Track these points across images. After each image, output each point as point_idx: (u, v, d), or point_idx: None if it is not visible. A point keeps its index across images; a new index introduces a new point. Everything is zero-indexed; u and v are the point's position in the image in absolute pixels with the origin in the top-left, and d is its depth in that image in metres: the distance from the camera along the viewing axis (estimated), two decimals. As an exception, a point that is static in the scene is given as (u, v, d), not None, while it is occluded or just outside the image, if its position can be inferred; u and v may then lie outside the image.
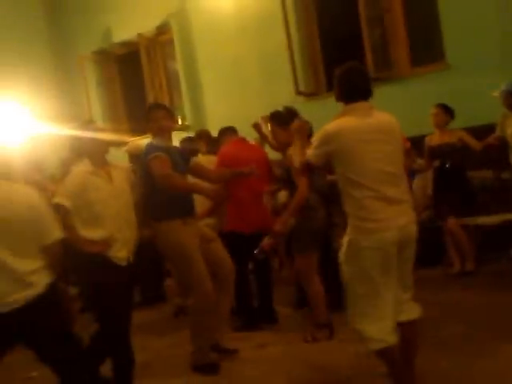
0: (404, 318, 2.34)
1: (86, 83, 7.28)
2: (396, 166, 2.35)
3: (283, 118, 3.64)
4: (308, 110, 5.69)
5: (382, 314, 2.28)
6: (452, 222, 4.40)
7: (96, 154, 2.83)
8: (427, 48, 5.39)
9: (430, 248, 4.43)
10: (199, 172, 3.39)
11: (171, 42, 6.75)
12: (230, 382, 3.07)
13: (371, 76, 5.07)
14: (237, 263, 3.47)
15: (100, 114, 7.33)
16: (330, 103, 5.93)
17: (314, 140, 2.44)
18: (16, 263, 2.18)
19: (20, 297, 2.16)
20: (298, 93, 5.72)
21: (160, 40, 6.97)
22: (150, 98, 6.91)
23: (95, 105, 7.39)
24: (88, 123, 3.13)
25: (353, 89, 2.38)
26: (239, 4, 6.08)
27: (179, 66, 6.73)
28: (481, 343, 2.97)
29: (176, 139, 4.83)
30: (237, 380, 3.06)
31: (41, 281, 2.22)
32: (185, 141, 4.55)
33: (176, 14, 6.58)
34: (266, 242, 3.45)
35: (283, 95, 5.78)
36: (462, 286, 4.10)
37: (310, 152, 2.41)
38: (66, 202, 2.71)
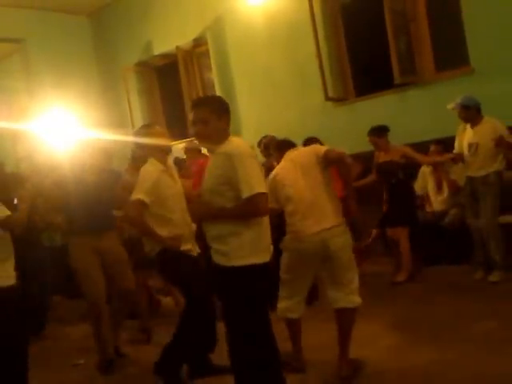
0: (336, 306, 2.90)
1: (128, 93, 7.58)
2: (313, 192, 2.87)
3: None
4: (337, 115, 5.98)
5: (289, 297, 2.96)
6: (396, 231, 4.67)
7: (161, 154, 3.05)
8: (451, 53, 5.43)
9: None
10: None
11: (207, 53, 6.96)
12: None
13: (397, 82, 5.38)
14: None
15: (141, 121, 7.57)
16: (358, 108, 6.24)
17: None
18: None
19: None
20: (328, 99, 5.87)
21: (197, 52, 7.21)
22: (187, 106, 7.08)
23: (136, 113, 7.68)
24: (149, 127, 3.34)
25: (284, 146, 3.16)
26: (270, 16, 6.22)
27: (214, 75, 6.93)
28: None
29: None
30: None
31: None
32: None
33: (211, 28, 6.80)
34: None
35: (313, 101, 6.00)
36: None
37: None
38: (145, 198, 2.86)
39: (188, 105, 7.17)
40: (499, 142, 4.09)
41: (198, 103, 2.49)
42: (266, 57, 6.36)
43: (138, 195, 2.90)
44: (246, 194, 2.23)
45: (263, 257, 2.34)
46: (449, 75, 5.30)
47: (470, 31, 5.04)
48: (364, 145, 4.93)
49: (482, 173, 4.23)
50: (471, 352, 2.93)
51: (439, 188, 5.18)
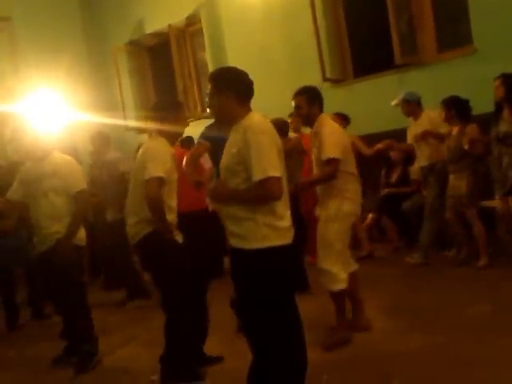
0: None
1: (119, 73, 7.45)
2: None
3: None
4: (335, 96, 5.78)
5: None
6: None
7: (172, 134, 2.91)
8: (454, 33, 5.35)
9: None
10: None
11: (200, 32, 6.89)
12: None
13: (398, 62, 5.24)
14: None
15: (131, 101, 7.53)
16: (356, 89, 6.03)
17: None
18: None
19: None
20: (325, 79, 5.76)
21: (190, 30, 7.14)
22: (180, 87, 7.05)
23: (127, 93, 7.57)
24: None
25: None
26: (267, -7, 6.13)
27: (208, 55, 6.83)
28: (507, 323, 3.00)
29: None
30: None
31: None
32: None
33: (205, 5, 6.70)
34: None
35: (310, 82, 5.83)
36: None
37: None
38: (164, 178, 2.74)
39: (180, 85, 7.12)
40: (423, 136, 4.41)
41: (209, 77, 2.32)
42: (262, 35, 6.24)
43: (158, 173, 2.71)
44: (257, 177, 2.06)
45: (283, 238, 2.16)
46: (451, 55, 5.21)
47: (474, 9, 4.93)
48: (361, 127, 4.89)
49: (430, 162, 4.52)
50: (463, 337, 2.94)
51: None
